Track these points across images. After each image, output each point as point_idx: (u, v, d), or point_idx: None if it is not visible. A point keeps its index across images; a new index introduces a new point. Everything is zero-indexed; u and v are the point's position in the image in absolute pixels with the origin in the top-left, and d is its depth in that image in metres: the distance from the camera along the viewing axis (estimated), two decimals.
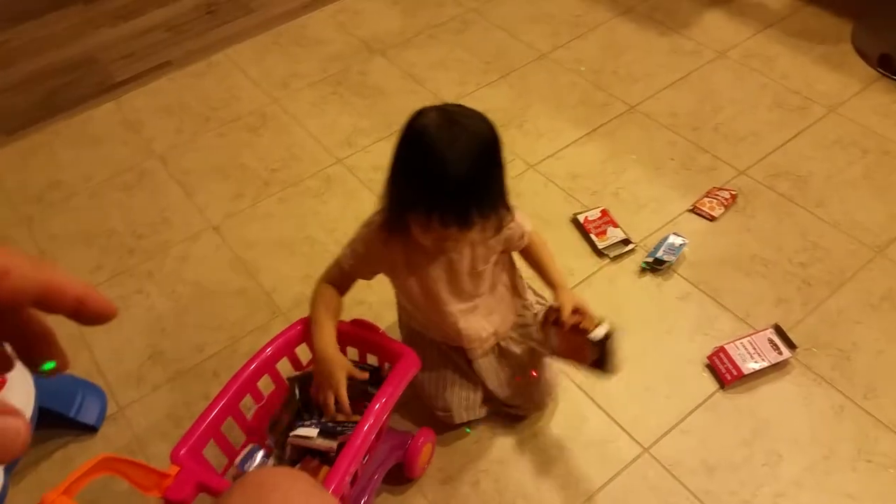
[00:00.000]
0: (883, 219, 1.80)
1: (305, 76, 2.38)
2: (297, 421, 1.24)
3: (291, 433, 1.20)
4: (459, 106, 1.11)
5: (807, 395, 1.49)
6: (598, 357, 1.22)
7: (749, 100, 2.14)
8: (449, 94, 2.23)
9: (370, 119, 2.20)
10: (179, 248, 1.90)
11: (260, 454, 1.22)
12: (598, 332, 1.20)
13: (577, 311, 1.26)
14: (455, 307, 1.29)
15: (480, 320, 1.34)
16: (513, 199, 1.88)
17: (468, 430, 1.48)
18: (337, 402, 1.18)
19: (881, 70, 2.18)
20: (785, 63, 2.23)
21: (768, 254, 1.74)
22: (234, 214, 1.97)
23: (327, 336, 1.22)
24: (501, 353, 1.41)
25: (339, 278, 1.29)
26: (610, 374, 1.24)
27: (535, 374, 1.42)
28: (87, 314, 0.40)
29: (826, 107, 2.09)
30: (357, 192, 1.99)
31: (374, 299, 1.71)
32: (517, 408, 1.47)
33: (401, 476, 1.40)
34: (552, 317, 1.27)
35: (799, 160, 1.95)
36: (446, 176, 1.04)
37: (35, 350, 0.42)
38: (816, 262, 1.72)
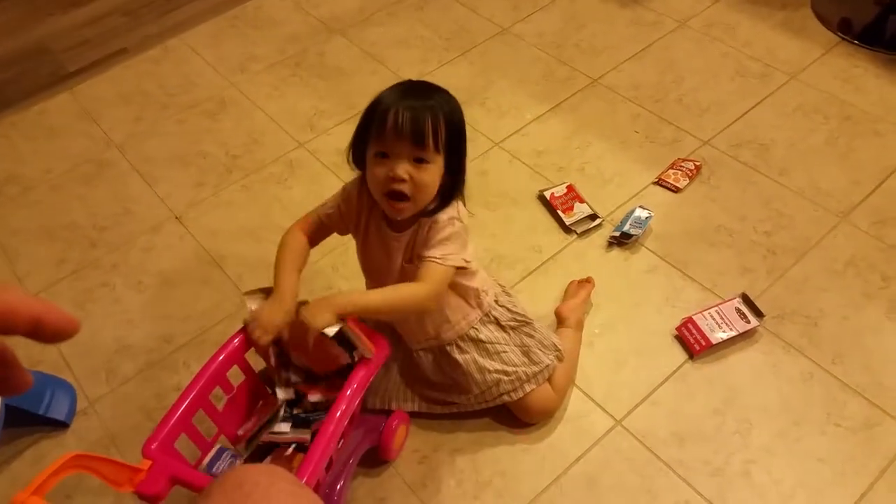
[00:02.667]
0: (846, 184, 1.82)
1: (263, 59, 2.34)
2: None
3: (266, 433, 1.19)
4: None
5: (775, 362, 1.52)
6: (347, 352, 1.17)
7: (711, 69, 2.14)
8: (410, 71, 2.20)
9: (331, 101, 2.17)
10: (143, 240, 1.87)
11: (227, 455, 1.21)
12: (330, 329, 1.13)
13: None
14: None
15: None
16: (478, 177, 1.91)
17: None
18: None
19: (841, 34, 2.19)
20: (745, 31, 2.24)
21: (733, 223, 1.76)
22: (197, 203, 1.94)
23: (284, 280, 1.21)
24: (443, 354, 1.37)
25: (314, 227, 1.29)
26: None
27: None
28: (46, 334, 0.39)
29: (787, 73, 2.10)
30: (321, 176, 1.97)
31: (345, 286, 1.70)
32: (452, 405, 1.43)
33: (376, 459, 1.40)
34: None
35: (762, 129, 1.96)
36: (394, 100, 1.14)
37: None
38: (781, 230, 1.73)
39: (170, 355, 1.63)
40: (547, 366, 1.39)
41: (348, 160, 1.23)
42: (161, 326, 1.69)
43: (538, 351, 1.39)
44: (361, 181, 1.23)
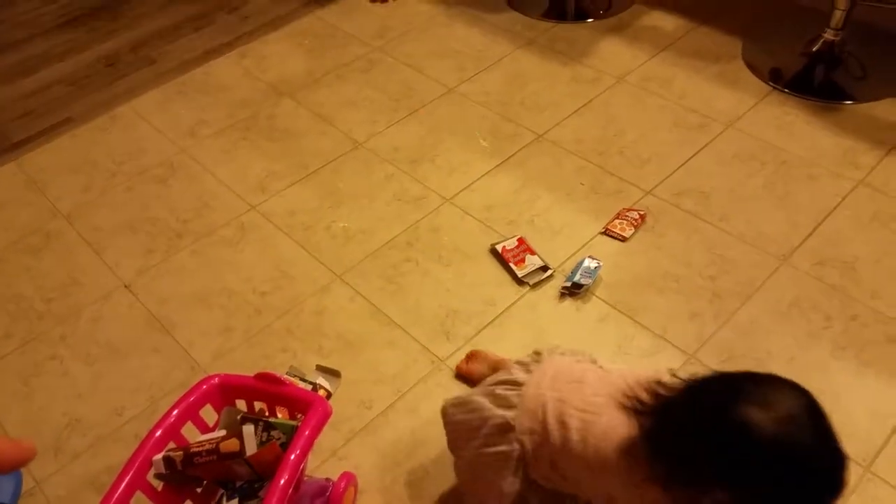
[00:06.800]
0: (785, 227, 1.88)
1: (213, 123, 2.35)
2: None
3: None
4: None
5: None
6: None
7: (650, 122, 2.21)
8: (360, 132, 2.23)
9: (283, 162, 2.18)
10: (91, 310, 1.84)
11: None
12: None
13: None
14: None
15: None
16: (430, 234, 1.93)
17: None
18: None
19: (772, 84, 2.29)
20: (681, 83, 2.33)
21: (679, 269, 1.80)
22: (146, 270, 1.92)
23: None
24: None
25: None
26: None
27: None
28: (3, 469, 0.39)
29: (724, 123, 2.18)
30: (273, 238, 1.97)
31: (299, 347, 1.69)
32: None
33: None
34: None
35: (702, 177, 2.03)
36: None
37: None
38: (724, 275, 1.78)
39: (120, 428, 1.59)
40: None
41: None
42: (111, 398, 1.65)
43: None
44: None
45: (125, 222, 2.05)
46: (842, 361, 1.59)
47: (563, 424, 1.10)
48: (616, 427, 1.05)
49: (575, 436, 1.08)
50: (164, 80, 2.53)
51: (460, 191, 2.05)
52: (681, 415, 0.96)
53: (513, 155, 2.14)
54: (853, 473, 1.41)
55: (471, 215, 1.98)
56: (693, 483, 0.91)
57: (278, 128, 2.31)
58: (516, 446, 1.14)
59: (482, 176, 2.09)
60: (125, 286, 1.88)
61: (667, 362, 1.61)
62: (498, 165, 2.12)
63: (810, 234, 1.86)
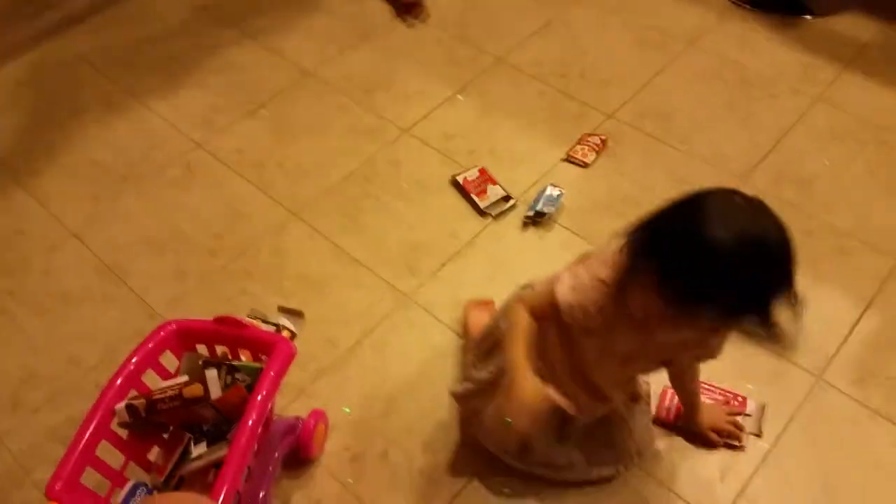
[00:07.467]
0: (746, 147, 1.87)
1: (148, 55, 2.24)
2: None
3: (185, 468, 1.16)
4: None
5: None
6: None
7: (610, 42, 2.16)
8: (311, 61, 2.15)
9: (227, 96, 2.09)
10: (40, 261, 1.77)
11: (142, 491, 1.16)
12: None
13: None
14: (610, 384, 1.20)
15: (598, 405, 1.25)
16: (390, 167, 1.88)
17: (347, 410, 1.47)
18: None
19: (734, 0, 2.24)
20: (643, 1, 2.26)
21: (640, 194, 1.78)
22: (94, 217, 1.84)
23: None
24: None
25: (543, 313, 1.13)
26: None
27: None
28: None
29: (686, 41, 2.14)
30: (223, 176, 1.90)
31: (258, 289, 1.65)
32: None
33: (305, 464, 1.38)
34: None
35: (663, 98, 2.00)
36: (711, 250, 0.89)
37: None
38: None
39: (80, 379, 1.56)
40: None
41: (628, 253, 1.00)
42: (68, 349, 1.61)
43: None
44: (616, 292, 1.03)
45: (65, 166, 1.96)
46: (797, 276, 1.61)
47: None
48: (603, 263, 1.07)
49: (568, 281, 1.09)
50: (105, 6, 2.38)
51: (418, 120, 1.99)
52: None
53: (471, 81, 2.08)
54: (805, 382, 1.45)
55: (430, 146, 1.93)
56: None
57: (220, 59, 2.20)
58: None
59: (440, 104, 2.03)
60: (73, 235, 1.81)
61: None
62: (456, 92, 2.05)
63: (769, 153, 1.85)
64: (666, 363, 1.22)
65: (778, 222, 0.92)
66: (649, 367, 1.23)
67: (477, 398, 1.30)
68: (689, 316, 0.93)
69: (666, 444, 1.39)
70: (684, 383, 1.31)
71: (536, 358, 1.11)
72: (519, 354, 1.08)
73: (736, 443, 1.37)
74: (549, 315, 1.11)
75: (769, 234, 0.90)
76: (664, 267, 0.93)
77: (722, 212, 0.91)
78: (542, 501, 1.35)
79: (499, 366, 1.21)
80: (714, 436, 1.37)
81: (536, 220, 1.73)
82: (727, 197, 0.94)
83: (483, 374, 1.28)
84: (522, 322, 1.12)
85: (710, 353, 1.14)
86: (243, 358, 1.27)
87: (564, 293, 1.07)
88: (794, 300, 0.94)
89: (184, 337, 1.26)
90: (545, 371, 1.13)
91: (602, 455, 1.33)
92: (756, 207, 0.93)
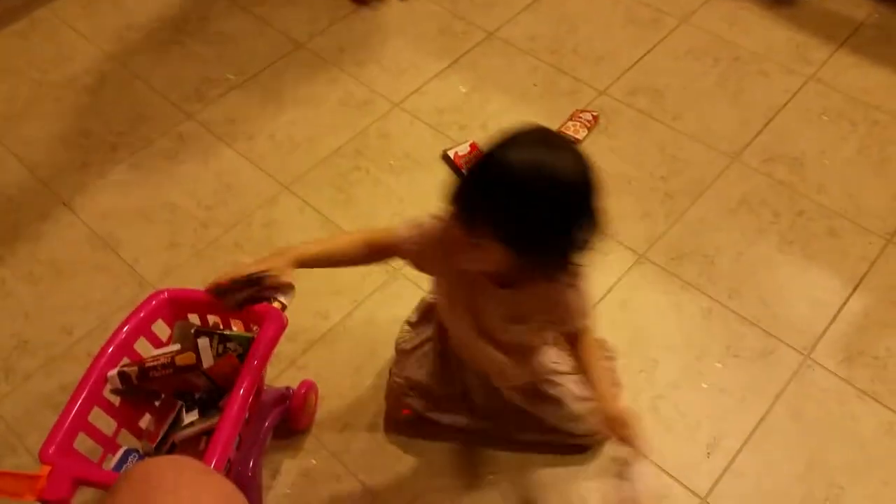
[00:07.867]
0: (737, 125, 1.88)
1: (141, 27, 2.21)
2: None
3: (176, 435, 1.17)
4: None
5: (676, 302, 1.57)
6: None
7: (603, 18, 2.15)
8: (303, 32, 2.13)
9: (219, 67, 2.07)
10: (29, 229, 1.76)
11: (134, 458, 1.18)
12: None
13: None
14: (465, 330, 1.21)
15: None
16: (380, 140, 1.88)
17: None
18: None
19: None
20: None
21: (631, 171, 1.79)
22: (84, 186, 1.83)
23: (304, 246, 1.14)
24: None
25: (380, 247, 1.15)
26: None
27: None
28: None
29: (677, 18, 2.14)
30: (214, 148, 1.89)
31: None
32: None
33: (295, 434, 1.40)
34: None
35: (655, 75, 2.00)
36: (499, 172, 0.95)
37: None
38: (676, 175, 1.78)
39: (72, 347, 1.56)
40: None
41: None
42: (59, 318, 1.61)
43: None
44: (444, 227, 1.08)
45: (56, 135, 1.94)
46: (788, 255, 1.63)
47: None
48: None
49: None
50: None
51: (410, 94, 1.98)
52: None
53: (463, 55, 2.07)
54: (793, 360, 1.48)
55: (421, 120, 1.93)
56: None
57: (211, 30, 2.19)
58: None
59: (432, 78, 2.02)
60: (63, 203, 1.80)
61: (617, 264, 1.63)
62: (448, 66, 2.05)
63: (761, 131, 1.86)
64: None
65: (578, 159, 0.98)
66: (510, 329, 1.16)
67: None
68: (473, 230, 0.97)
69: (652, 421, 1.42)
70: (576, 358, 1.23)
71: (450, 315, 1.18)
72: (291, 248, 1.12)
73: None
74: (386, 250, 1.14)
75: (563, 165, 0.96)
76: (463, 182, 0.99)
77: (524, 140, 0.97)
78: (539, 468, 1.37)
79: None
80: (608, 429, 1.18)
81: None
82: (537, 131, 1.00)
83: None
84: (340, 240, 1.17)
85: (562, 319, 1.14)
86: (235, 328, 1.28)
87: (402, 228, 1.12)
88: (592, 236, 0.99)
89: (176, 306, 1.26)
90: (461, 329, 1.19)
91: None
92: (559, 144, 1.01)
